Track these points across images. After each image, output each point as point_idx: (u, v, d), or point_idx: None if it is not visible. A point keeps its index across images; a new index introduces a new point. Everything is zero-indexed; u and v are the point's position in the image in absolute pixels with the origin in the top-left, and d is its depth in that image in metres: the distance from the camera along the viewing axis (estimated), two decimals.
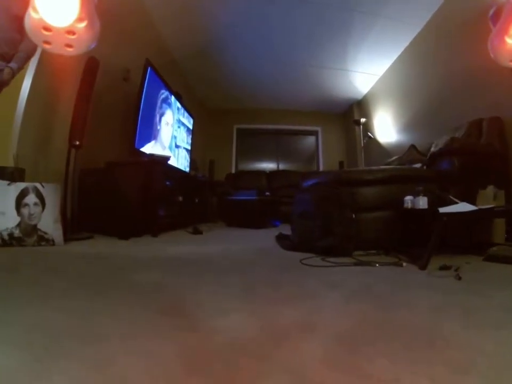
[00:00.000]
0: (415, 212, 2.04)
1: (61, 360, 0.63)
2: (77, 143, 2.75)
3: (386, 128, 6.06)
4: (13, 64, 2.16)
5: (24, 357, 0.64)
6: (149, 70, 3.62)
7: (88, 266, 1.69)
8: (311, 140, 8.83)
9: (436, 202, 2.01)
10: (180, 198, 4.11)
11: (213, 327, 0.85)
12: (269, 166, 9.52)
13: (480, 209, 1.79)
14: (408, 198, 2.09)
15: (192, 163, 5.87)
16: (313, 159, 8.96)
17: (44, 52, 2.71)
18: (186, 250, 2.42)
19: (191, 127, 5.76)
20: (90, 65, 2.86)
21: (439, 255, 1.90)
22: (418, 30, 4.63)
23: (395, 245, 2.17)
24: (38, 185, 2.33)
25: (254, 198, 4.68)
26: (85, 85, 2.82)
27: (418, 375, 0.59)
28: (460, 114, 3.60)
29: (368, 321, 0.93)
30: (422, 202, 1.98)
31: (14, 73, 2.18)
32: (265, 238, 3.31)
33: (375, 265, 1.75)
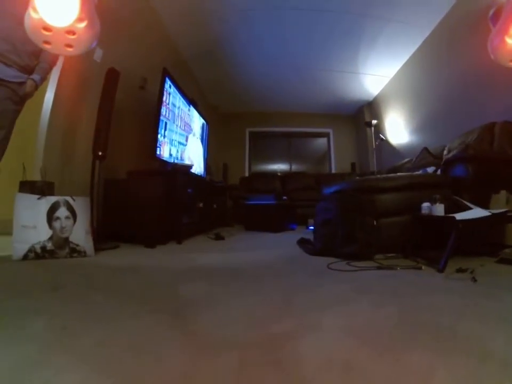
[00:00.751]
0: (432, 218, 2.18)
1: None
2: (101, 153, 2.85)
3: (397, 129, 6.18)
4: (35, 76, 2.19)
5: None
6: (166, 78, 3.79)
7: (129, 280, 1.74)
8: (322, 141, 8.96)
9: (451, 208, 2.16)
10: (201, 204, 4.28)
11: (274, 332, 1.02)
12: (281, 167, 9.67)
13: (493, 215, 1.92)
14: (425, 205, 2.23)
15: (208, 168, 6.04)
16: (325, 160, 9.10)
17: (65, 62, 2.82)
18: (216, 258, 2.51)
19: (206, 132, 5.94)
20: (111, 76, 2.96)
21: (454, 256, 2.02)
22: (428, 32, 4.74)
23: (413, 249, 2.32)
24: (69, 198, 2.40)
25: (272, 202, 4.84)
26: (106, 95, 2.91)
27: (445, 362, 0.76)
28: (471, 117, 3.70)
29: (399, 320, 1.09)
30: (439, 209, 2.12)
31: (37, 85, 2.22)
32: (287, 242, 3.44)
33: (397, 269, 1.91)
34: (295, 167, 9.26)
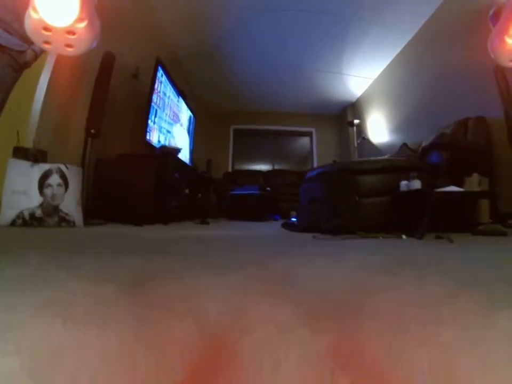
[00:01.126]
0: (411, 192, 2.34)
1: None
2: (94, 131, 2.90)
3: (379, 129, 6.39)
4: (35, 46, 2.08)
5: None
6: (159, 67, 3.88)
7: (126, 242, 1.73)
8: (305, 140, 9.13)
9: (428, 186, 2.33)
10: (187, 191, 4.36)
11: (275, 264, 1.13)
12: (263, 167, 9.77)
13: (466, 190, 2.10)
14: (404, 183, 2.40)
15: (193, 161, 6.10)
16: (307, 159, 9.26)
17: None
18: (207, 233, 2.57)
19: (193, 125, 6.02)
20: (107, 58, 3.03)
21: (432, 233, 2.18)
22: (410, 36, 4.94)
23: (394, 227, 2.46)
24: (62, 166, 2.40)
25: (256, 192, 4.95)
26: (102, 76, 2.98)
27: (425, 275, 0.89)
28: (448, 115, 3.89)
29: (386, 260, 1.22)
30: (417, 185, 2.29)
31: (36, 56, 2.14)
32: (271, 226, 3.57)
33: (379, 238, 2.05)
34: (277, 167, 9.37)
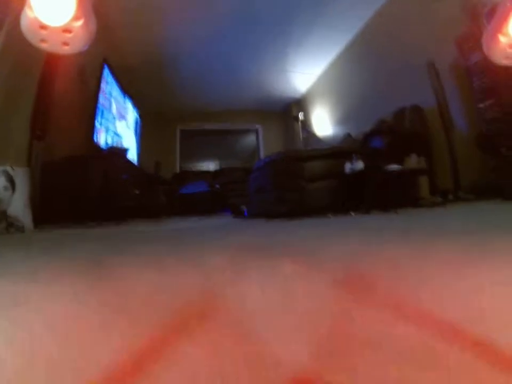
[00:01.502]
0: (355, 172, 2.44)
1: None
2: (39, 133, 2.74)
3: (323, 122, 6.62)
4: None
5: None
6: (105, 67, 3.76)
7: (96, 243, 1.61)
8: (252, 138, 9.19)
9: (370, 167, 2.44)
10: (136, 191, 4.24)
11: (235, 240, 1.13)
12: (211, 166, 9.73)
13: (405, 168, 2.22)
14: (348, 166, 2.50)
15: (140, 164, 5.95)
16: (254, 156, 9.33)
17: (6, 39, 2.61)
18: (163, 228, 2.55)
19: (139, 127, 5.87)
20: (52, 56, 2.80)
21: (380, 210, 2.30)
22: (351, 36, 5.15)
23: (340, 208, 2.55)
24: (8, 168, 2.24)
25: (206, 189, 4.92)
26: (46, 75, 2.83)
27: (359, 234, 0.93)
28: (388, 107, 4.11)
29: (339, 228, 1.26)
30: (359, 165, 2.39)
31: None
32: (223, 219, 3.57)
33: (329, 217, 2.11)
34: (224, 165, 9.36)
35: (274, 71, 6.50)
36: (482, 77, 2.92)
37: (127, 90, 4.84)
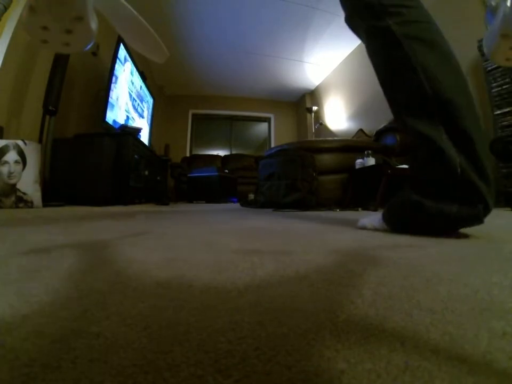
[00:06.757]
0: (366, 169, 2.45)
1: None
2: (52, 108, 2.71)
3: (336, 116, 6.58)
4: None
5: None
6: (120, 45, 3.73)
7: (95, 215, 1.65)
8: (263, 126, 9.17)
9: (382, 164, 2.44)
10: (146, 172, 4.26)
11: (243, 222, 1.16)
12: (221, 152, 9.70)
13: None
14: (359, 161, 2.51)
15: (151, 146, 5.95)
16: (265, 145, 9.32)
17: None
18: (175, 208, 2.57)
19: (151, 109, 5.86)
20: None
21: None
22: None
23: (351, 202, 2.57)
24: (20, 142, 2.24)
25: (215, 174, 4.95)
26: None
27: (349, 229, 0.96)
28: None
29: (337, 221, 1.29)
30: (371, 162, 2.39)
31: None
32: (230, 205, 3.60)
33: (336, 211, 2.13)
34: (235, 152, 9.34)
35: (291, 60, 6.46)
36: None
37: (141, 70, 4.82)
